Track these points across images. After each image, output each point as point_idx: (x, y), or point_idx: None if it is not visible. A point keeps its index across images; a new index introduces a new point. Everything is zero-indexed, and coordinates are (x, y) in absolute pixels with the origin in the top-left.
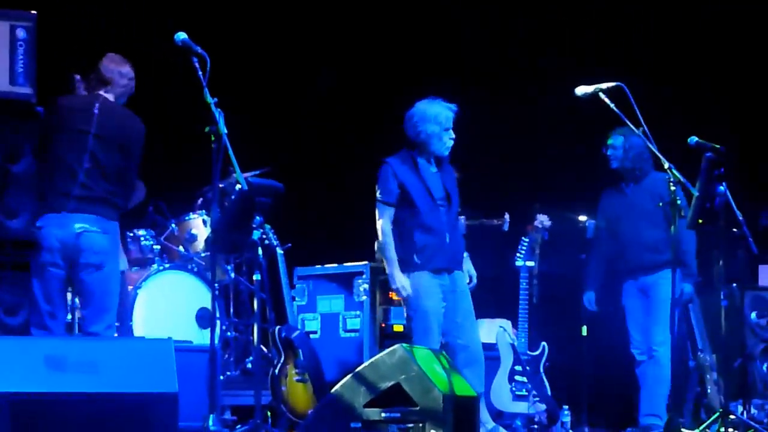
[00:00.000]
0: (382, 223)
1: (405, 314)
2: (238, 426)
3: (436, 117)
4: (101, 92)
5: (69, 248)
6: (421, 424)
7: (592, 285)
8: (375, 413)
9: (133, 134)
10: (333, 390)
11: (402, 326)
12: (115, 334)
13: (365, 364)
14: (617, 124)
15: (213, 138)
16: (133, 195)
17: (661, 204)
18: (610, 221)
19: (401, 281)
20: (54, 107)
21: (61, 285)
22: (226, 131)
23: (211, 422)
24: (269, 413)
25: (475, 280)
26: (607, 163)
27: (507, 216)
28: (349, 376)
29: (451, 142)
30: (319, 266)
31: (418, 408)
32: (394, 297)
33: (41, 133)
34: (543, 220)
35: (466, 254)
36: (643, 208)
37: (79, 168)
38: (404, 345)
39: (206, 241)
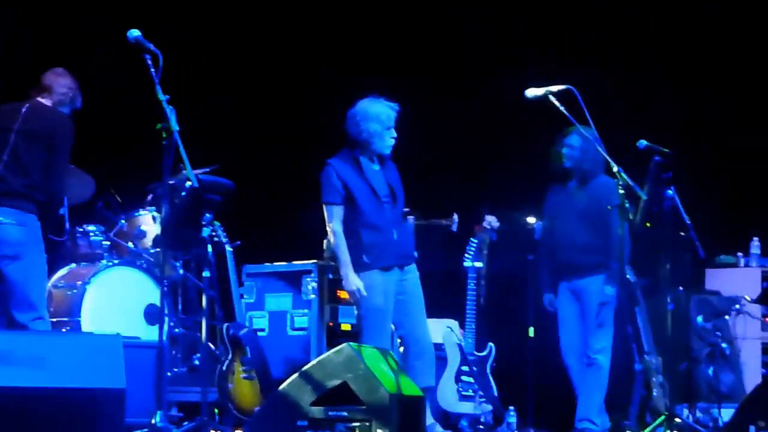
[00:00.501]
0: (333, 225)
1: (355, 313)
2: (185, 423)
3: (378, 116)
4: (38, 98)
5: None
6: (367, 423)
7: (549, 286)
8: (321, 411)
9: (59, 130)
10: (279, 388)
11: (350, 325)
12: (64, 328)
13: (312, 362)
14: (567, 125)
15: (164, 135)
16: (66, 189)
17: (609, 207)
18: (552, 219)
19: (355, 283)
20: None
21: None
22: (177, 128)
23: (157, 418)
24: (216, 410)
25: None
26: (558, 161)
27: (455, 216)
28: (295, 374)
29: (393, 141)
30: (268, 264)
31: (364, 407)
32: (342, 296)
33: None
34: (491, 221)
35: None
36: (582, 210)
37: None
38: (351, 344)
39: (155, 237)
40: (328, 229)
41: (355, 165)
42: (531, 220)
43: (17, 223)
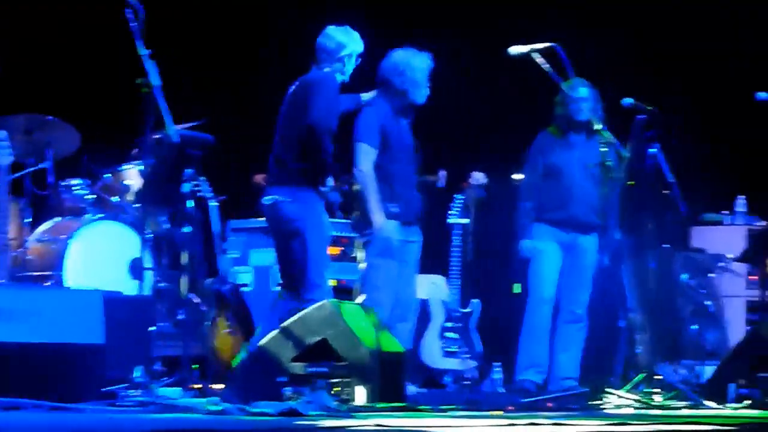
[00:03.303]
0: (364, 165)
1: (362, 258)
2: (166, 377)
3: (420, 67)
4: None
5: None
6: (347, 379)
7: (530, 232)
8: (301, 368)
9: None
10: (260, 344)
11: (335, 281)
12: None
13: (293, 318)
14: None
15: (144, 90)
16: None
17: (608, 163)
18: (551, 170)
19: (383, 222)
20: None
21: None
22: (158, 83)
23: (138, 373)
24: (198, 365)
25: None
26: (569, 115)
27: (443, 172)
28: (276, 330)
29: (428, 92)
30: (253, 219)
31: (345, 363)
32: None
33: None
34: (479, 177)
35: None
36: (591, 165)
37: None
38: (332, 300)
39: (137, 192)
40: (357, 169)
41: (392, 113)
42: (518, 177)
43: (293, 200)
